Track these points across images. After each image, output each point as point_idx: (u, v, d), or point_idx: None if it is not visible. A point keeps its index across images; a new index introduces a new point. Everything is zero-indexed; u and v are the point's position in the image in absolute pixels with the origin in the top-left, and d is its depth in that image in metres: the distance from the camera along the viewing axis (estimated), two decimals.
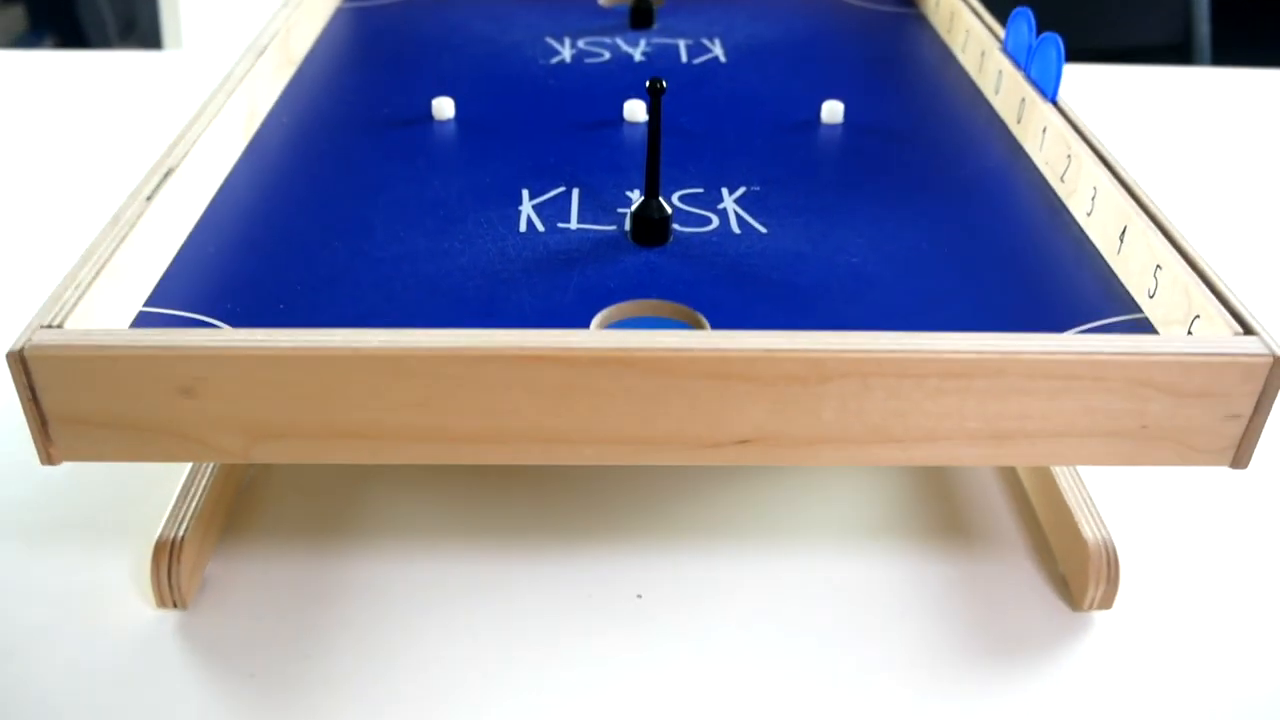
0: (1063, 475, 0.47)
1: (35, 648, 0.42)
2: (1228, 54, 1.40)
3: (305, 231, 0.48)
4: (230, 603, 0.44)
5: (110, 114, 0.86)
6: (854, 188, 0.52)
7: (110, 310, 0.40)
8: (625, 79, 0.65)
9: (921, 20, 0.74)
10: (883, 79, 0.65)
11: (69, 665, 0.42)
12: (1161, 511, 0.50)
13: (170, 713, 0.40)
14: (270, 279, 0.44)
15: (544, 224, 0.49)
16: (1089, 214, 0.48)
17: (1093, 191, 0.48)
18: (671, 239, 0.48)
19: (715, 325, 0.42)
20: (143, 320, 0.42)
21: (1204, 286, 0.40)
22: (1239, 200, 0.77)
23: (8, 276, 0.65)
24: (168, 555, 0.43)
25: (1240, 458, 0.39)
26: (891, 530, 0.48)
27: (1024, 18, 0.59)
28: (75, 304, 0.38)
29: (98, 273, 0.40)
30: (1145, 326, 0.43)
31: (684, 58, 0.68)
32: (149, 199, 0.44)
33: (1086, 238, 0.48)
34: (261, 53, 0.59)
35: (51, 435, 0.37)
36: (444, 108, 0.59)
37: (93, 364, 0.36)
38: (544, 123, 0.59)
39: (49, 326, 0.37)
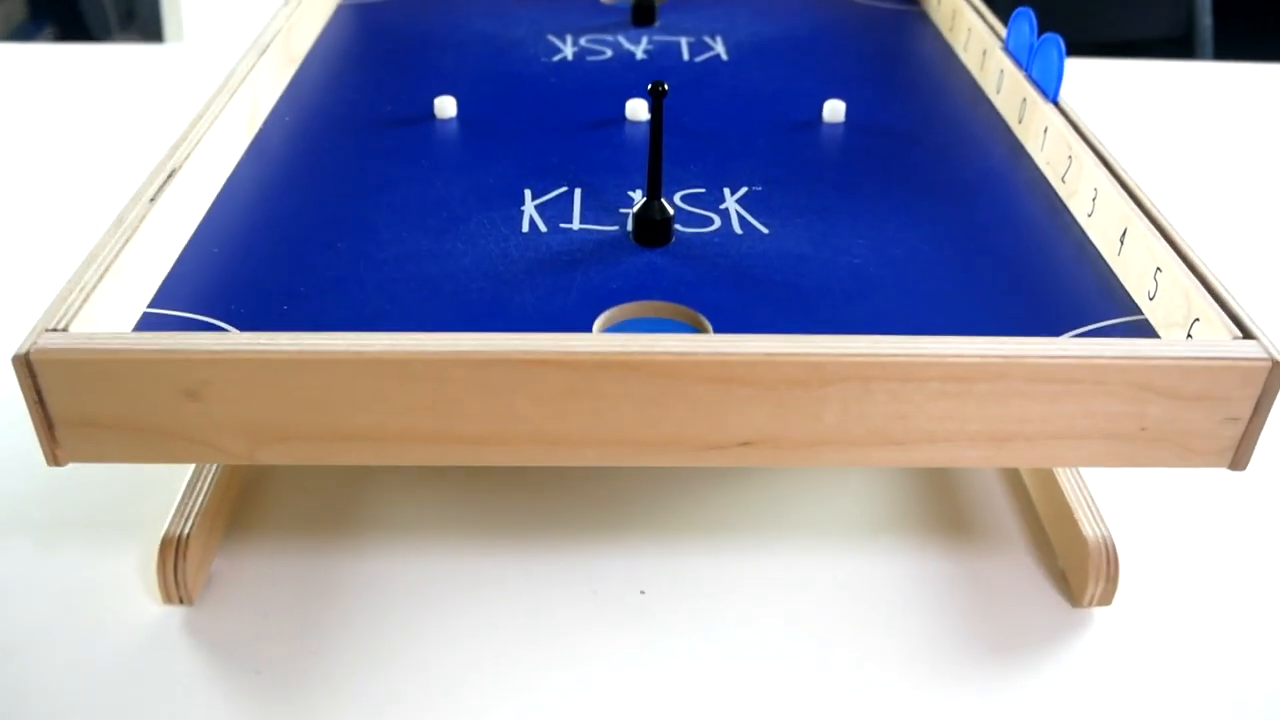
0: (1063, 474, 0.48)
1: (43, 643, 0.43)
2: (1230, 48, 1.40)
3: (308, 231, 0.48)
4: (235, 599, 0.45)
5: (111, 107, 0.86)
6: (855, 188, 0.53)
7: (114, 312, 0.40)
8: (627, 77, 0.65)
9: (923, 18, 0.74)
10: (884, 78, 0.65)
11: (76, 660, 0.42)
12: (1160, 510, 0.50)
13: (176, 707, 0.40)
14: (273, 280, 0.45)
15: (546, 224, 0.49)
16: (1090, 215, 0.49)
17: (1093, 193, 0.48)
18: (673, 240, 0.48)
19: (717, 327, 0.42)
20: (147, 321, 0.42)
21: (1203, 290, 0.40)
22: (1239, 195, 0.78)
23: (7, 269, 0.65)
24: (174, 551, 0.43)
25: (1239, 459, 0.39)
26: (893, 527, 0.49)
27: (1025, 18, 0.59)
28: (80, 307, 0.38)
29: (102, 275, 0.40)
30: (1145, 328, 0.43)
31: (686, 56, 0.68)
32: (152, 201, 0.44)
33: (1087, 239, 0.48)
34: (263, 51, 0.59)
35: (57, 437, 0.38)
36: (446, 106, 0.59)
37: (98, 368, 0.36)
38: (546, 121, 0.59)
39: (54, 330, 0.37)
